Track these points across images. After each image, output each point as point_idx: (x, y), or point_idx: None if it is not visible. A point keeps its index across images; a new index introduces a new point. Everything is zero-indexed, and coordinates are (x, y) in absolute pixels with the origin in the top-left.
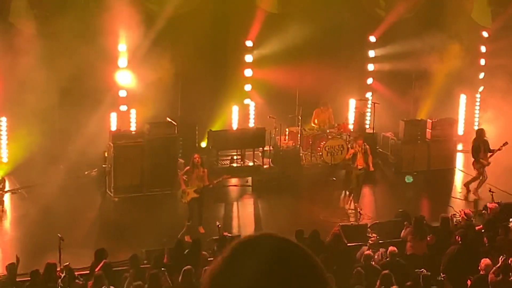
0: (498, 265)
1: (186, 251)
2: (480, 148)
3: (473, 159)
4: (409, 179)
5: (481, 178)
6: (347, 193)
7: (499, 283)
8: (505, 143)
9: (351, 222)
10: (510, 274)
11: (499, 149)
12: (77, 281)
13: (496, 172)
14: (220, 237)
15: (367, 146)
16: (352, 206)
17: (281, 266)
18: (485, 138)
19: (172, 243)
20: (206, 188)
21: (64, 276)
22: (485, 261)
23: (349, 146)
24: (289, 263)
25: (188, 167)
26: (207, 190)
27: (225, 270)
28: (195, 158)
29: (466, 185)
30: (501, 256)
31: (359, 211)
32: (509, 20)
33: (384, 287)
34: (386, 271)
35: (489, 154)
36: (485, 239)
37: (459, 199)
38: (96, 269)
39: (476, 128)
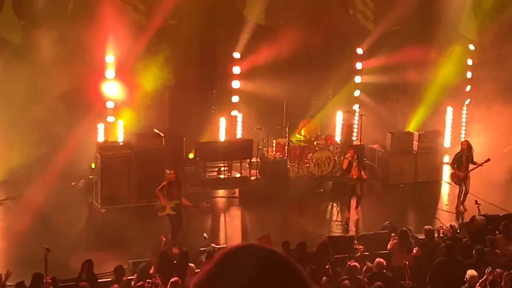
0: (485, 277)
1: (174, 262)
2: (462, 160)
3: (451, 172)
4: None
5: (463, 190)
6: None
7: None
8: (487, 160)
9: (338, 234)
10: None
11: (481, 165)
12: None
13: (482, 185)
14: (208, 249)
15: (358, 155)
16: (340, 218)
17: (266, 276)
18: (471, 151)
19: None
20: (182, 206)
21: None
22: (470, 273)
23: (343, 157)
24: (274, 273)
25: (164, 182)
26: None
27: (211, 280)
28: (170, 174)
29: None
30: (487, 269)
31: (346, 221)
32: (496, 33)
33: None
34: (379, 283)
35: (471, 167)
36: (473, 252)
37: (445, 211)
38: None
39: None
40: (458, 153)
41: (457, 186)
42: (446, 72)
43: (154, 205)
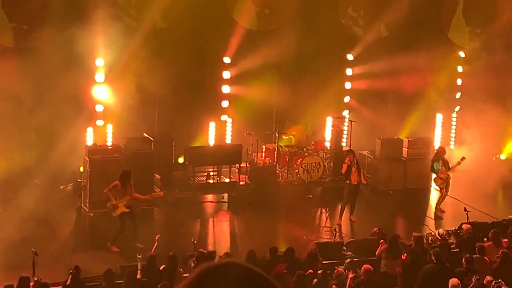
0: (472, 285)
1: (162, 267)
2: (439, 165)
3: (434, 176)
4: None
5: (443, 193)
6: (327, 210)
7: None
8: (463, 158)
9: (327, 240)
10: None
11: (457, 164)
12: None
13: (471, 192)
14: (197, 254)
15: (357, 160)
16: (329, 224)
17: None
18: (444, 156)
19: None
20: (135, 201)
21: None
22: (453, 281)
23: (343, 162)
24: None
25: (116, 182)
26: (138, 204)
27: None
28: (130, 174)
29: (437, 206)
30: (474, 276)
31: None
32: (486, 40)
33: None
34: None
35: (448, 171)
36: (463, 260)
37: (433, 218)
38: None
39: (452, 147)
40: (434, 158)
41: (440, 190)
42: (435, 79)
43: (141, 209)
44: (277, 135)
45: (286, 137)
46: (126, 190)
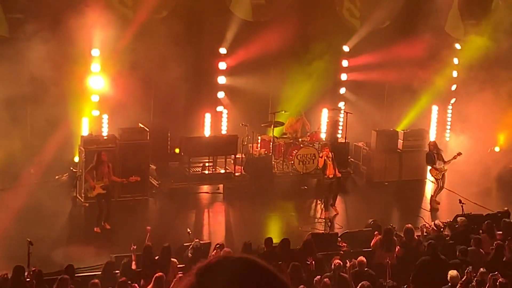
0: (465, 277)
1: (156, 257)
2: (434, 157)
3: (429, 168)
4: None
5: (440, 185)
6: (322, 202)
7: None
8: (459, 153)
9: (322, 231)
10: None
11: (453, 158)
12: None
13: (465, 184)
14: (195, 244)
15: (333, 153)
16: (323, 215)
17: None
18: (439, 149)
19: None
20: (112, 184)
21: (31, 281)
22: (452, 273)
23: (319, 156)
24: (255, 284)
25: (92, 164)
26: (117, 187)
27: None
28: (103, 155)
29: (433, 198)
30: (468, 269)
31: (329, 220)
32: (482, 32)
33: None
34: (366, 283)
35: (444, 164)
36: (457, 252)
37: (428, 210)
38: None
39: (447, 139)
40: (428, 153)
41: (436, 182)
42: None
43: (136, 200)
44: (272, 126)
45: (280, 127)
46: (102, 172)
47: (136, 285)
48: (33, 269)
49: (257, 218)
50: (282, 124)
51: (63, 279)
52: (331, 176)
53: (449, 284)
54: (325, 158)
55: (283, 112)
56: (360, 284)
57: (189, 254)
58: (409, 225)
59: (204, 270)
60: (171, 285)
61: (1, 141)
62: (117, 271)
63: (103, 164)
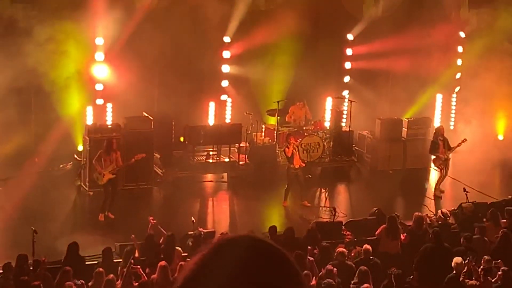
0: (466, 267)
1: (162, 246)
2: (438, 145)
3: (433, 157)
4: None
5: (443, 174)
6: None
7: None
8: (464, 140)
9: (327, 220)
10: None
11: (458, 145)
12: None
13: (470, 172)
14: (195, 233)
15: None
16: (328, 204)
17: (257, 266)
18: (444, 135)
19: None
20: (120, 169)
21: (35, 269)
22: (456, 260)
23: (285, 145)
24: (265, 263)
25: (101, 151)
26: (121, 175)
27: (200, 270)
28: (113, 142)
29: (437, 186)
30: (469, 258)
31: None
32: (486, 20)
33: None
34: (364, 268)
35: (449, 151)
36: (462, 239)
37: (432, 198)
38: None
39: (452, 127)
40: (433, 138)
41: (439, 171)
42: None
43: (140, 188)
44: (276, 114)
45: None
46: (111, 158)
47: (139, 266)
48: (43, 259)
49: (261, 207)
50: (285, 113)
51: (65, 271)
52: (297, 166)
53: (454, 271)
54: (293, 148)
55: (278, 102)
56: (358, 270)
57: (190, 243)
58: (418, 213)
59: (217, 246)
60: (176, 274)
61: (5, 131)
62: (119, 259)
63: (113, 151)
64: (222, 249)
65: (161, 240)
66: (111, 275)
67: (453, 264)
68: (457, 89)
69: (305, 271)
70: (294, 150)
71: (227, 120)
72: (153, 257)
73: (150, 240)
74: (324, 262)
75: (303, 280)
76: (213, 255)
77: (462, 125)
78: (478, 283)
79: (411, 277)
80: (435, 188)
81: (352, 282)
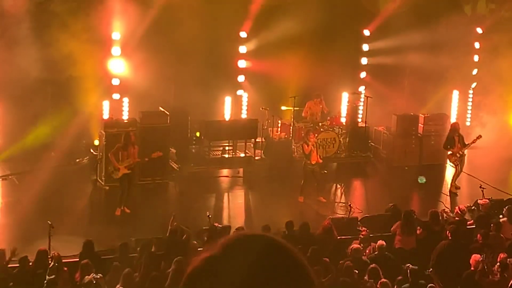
0: (481, 265)
1: (176, 240)
2: (454, 140)
3: (448, 153)
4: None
5: (458, 170)
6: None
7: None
8: (479, 136)
9: (342, 215)
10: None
11: (473, 142)
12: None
13: (486, 168)
14: (210, 228)
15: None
16: (344, 199)
17: (268, 265)
18: (460, 132)
19: (161, 232)
20: (137, 164)
21: (52, 265)
22: (475, 257)
23: (304, 141)
24: (276, 262)
25: (119, 144)
26: (137, 170)
27: (210, 267)
28: (131, 136)
29: (453, 182)
30: (481, 257)
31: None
32: (503, 16)
33: (373, 280)
34: (373, 265)
35: (464, 147)
36: (478, 236)
37: (448, 195)
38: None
39: (468, 124)
40: (449, 134)
41: (455, 167)
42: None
43: (156, 183)
44: (293, 110)
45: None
46: (128, 153)
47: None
48: (54, 253)
49: (276, 202)
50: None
51: (85, 265)
52: (313, 162)
53: (472, 268)
54: (312, 145)
55: (295, 97)
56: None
57: (205, 238)
58: (434, 209)
59: (230, 243)
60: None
61: (21, 125)
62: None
63: (131, 145)
64: (233, 249)
65: (184, 236)
66: (128, 269)
67: (471, 261)
68: (473, 85)
69: (315, 267)
70: (312, 147)
71: (243, 115)
72: (169, 251)
73: (173, 235)
74: (338, 258)
75: (315, 281)
76: (222, 255)
77: (478, 122)
78: (494, 280)
79: (430, 270)
80: (450, 185)
81: (364, 280)
